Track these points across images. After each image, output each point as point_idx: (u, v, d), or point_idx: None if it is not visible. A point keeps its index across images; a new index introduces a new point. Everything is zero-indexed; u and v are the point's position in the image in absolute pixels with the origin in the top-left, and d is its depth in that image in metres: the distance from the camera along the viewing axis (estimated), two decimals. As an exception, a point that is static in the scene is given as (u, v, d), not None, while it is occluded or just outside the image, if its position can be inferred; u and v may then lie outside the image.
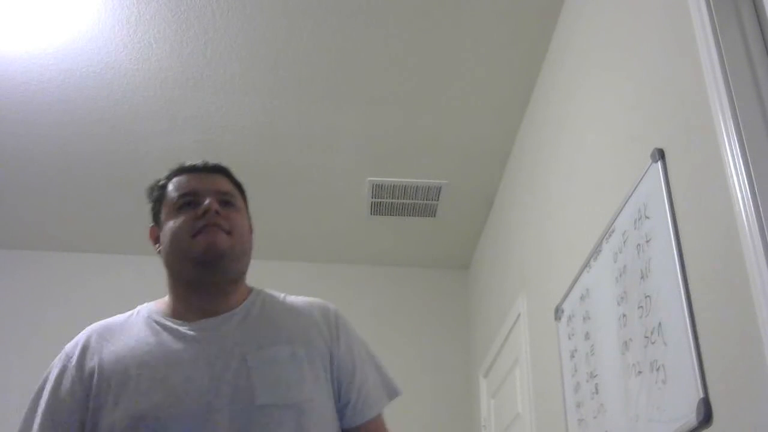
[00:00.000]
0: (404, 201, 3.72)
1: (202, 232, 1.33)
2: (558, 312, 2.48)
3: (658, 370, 1.66)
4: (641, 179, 1.84)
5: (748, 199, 1.36)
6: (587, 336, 2.17)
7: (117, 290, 4.11)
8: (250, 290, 1.44)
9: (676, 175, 1.68)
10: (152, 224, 1.45)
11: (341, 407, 1.37)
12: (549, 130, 2.78)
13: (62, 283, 4.12)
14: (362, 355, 1.43)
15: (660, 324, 1.67)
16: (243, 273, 1.42)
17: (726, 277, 1.43)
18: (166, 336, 1.31)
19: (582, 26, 2.43)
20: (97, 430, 1.23)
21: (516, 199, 3.27)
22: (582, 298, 2.24)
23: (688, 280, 1.57)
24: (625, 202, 1.93)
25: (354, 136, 3.29)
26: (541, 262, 2.80)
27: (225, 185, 1.44)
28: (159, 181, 1.47)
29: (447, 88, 3.00)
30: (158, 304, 1.41)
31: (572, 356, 2.30)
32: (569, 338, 2.35)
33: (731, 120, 1.44)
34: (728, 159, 1.43)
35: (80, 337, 1.36)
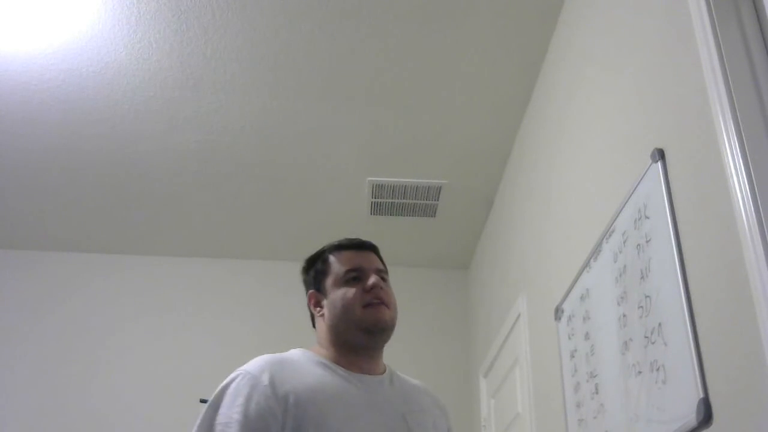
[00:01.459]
0: (404, 201, 3.72)
1: (371, 306, 1.54)
2: (558, 312, 2.48)
3: (658, 370, 1.66)
4: (641, 179, 1.84)
5: (748, 199, 1.36)
6: (587, 336, 2.17)
7: (117, 290, 4.11)
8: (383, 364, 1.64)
9: (676, 175, 1.68)
10: (312, 290, 1.63)
11: None
12: (549, 130, 2.78)
13: (62, 283, 4.12)
14: None
15: (660, 324, 1.67)
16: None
17: (726, 277, 1.43)
18: (342, 380, 1.49)
19: (582, 26, 2.43)
20: None
21: (516, 199, 3.27)
22: (582, 298, 2.24)
23: (688, 280, 1.57)
24: (625, 202, 1.93)
25: (354, 136, 3.29)
26: (541, 262, 2.80)
27: (380, 263, 1.65)
28: (317, 255, 1.66)
29: (447, 88, 3.00)
30: (316, 351, 1.57)
31: (572, 356, 2.30)
32: (569, 338, 2.35)
33: (731, 120, 1.44)
34: (728, 159, 1.43)
35: (262, 365, 1.46)
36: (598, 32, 2.28)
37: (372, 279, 1.56)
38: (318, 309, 1.61)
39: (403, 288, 4.29)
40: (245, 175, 3.55)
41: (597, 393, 2.06)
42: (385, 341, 1.59)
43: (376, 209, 3.78)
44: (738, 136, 1.42)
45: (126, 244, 4.10)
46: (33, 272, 4.12)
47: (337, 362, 1.53)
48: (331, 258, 1.62)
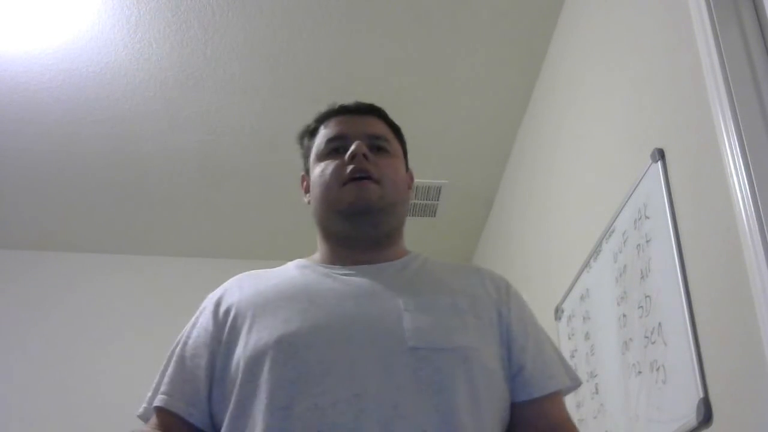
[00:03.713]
0: (404, 201, 3.71)
1: (350, 181, 1.20)
2: (558, 312, 2.48)
3: (658, 370, 1.66)
4: (641, 179, 1.84)
5: (748, 199, 1.36)
6: (587, 336, 2.17)
7: (117, 290, 4.11)
8: (408, 252, 1.30)
9: (676, 175, 1.68)
10: (303, 172, 1.35)
11: (513, 375, 1.14)
12: (549, 130, 2.78)
13: (62, 283, 4.11)
14: (537, 327, 1.23)
15: (660, 324, 1.67)
16: (398, 227, 1.29)
17: (726, 277, 1.43)
18: (314, 275, 1.21)
19: (582, 26, 2.43)
20: (230, 361, 1.12)
21: (516, 199, 3.27)
22: (582, 298, 2.24)
23: (688, 280, 1.57)
24: (625, 202, 1.93)
25: (354, 136, 3.29)
26: (541, 262, 2.80)
27: (378, 128, 1.30)
28: (309, 126, 1.36)
29: (447, 88, 3.00)
30: (309, 258, 1.29)
31: (572, 356, 2.30)
32: (569, 338, 2.35)
33: (731, 120, 1.44)
34: (728, 159, 1.43)
35: (224, 284, 1.26)
36: (598, 32, 2.28)
37: (353, 147, 1.22)
38: (307, 196, 1.31)
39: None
40: (245, 175, 3.54)
41: (597, 393, 2.06)
42: (383, 227, 1.23)
43: (376, 209, 3.78)
44: (738, 136, 1.42)
45: (126, 244, 4.10)
46: (33, 272, 4.12)
47: (328, 261, 1.24)
48: (319, 129, 1.32)
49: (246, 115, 3.16)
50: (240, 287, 1.22)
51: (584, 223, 2.29)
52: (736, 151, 1.41)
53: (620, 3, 2.11)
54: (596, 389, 2.06)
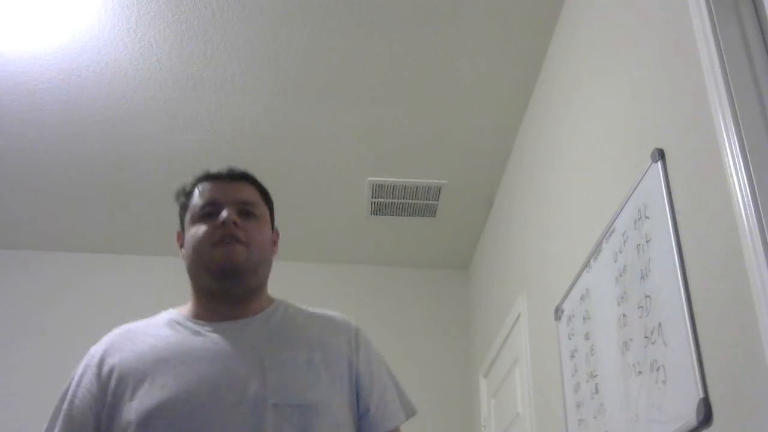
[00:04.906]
0: (404, 201, 3.72)
1: (220, 244, 1.35)
2: (558, 312, 2.48)
3: (658, 370, 1.66)
4: (641, 179, 1.84)
5: (748, 199, 1.36)
6: (587, 336, 2.17)
7: (117, 290, 4.11)
8: (272, 300, 1.46)
9: (676, 175, 1.68)
10: (179, 229, 1.50)
11: (360, 415, 1.38)
12: (549, 130, 2.78)
13: (62, 283, 4.12)
14: (381, 369, 1.45)
15: (660, 324, 1.67)
16: (262, 283, 1.44)
17: (726, 277, 1.43)
18: (185, 334, 1.35)
19: (582, 26, 2.43)
20: (113, 427, 1.25)
21: (516, 199, 3.27)
22: (582, 298, 2.24)
23: (688, 280, 1.57)
24: (625, 202, 1.93)
25: (354, 136, 3.29)
26: (541, 262, 2.80)
27: (248, 194, 1.45)
28: (185, 187, 1.51)
29: (447, 88, 3.00)
30: (181, 309, 1.44)
31: (572, 356, 2.30)
32: (569, 338, 2.35)
33: (731, 120, 1.44)
34: (728, 159, 1.43)
35: (104, 339, 1.40)
36: (598, 32, 2.28)
37: (223, 213, 1.37)
38: (182, 250, 1.46)
39: (403, 288, 4.34)
40: (245, 175, 3.54)
41: (597, 393, 2.06)
42: (246, 285, 1.38)
43: (376, 209, 3.78)
44: (738, 136, 1.42)
45: (126, 244, 4.10)
46: (33, 272, 4.12)
47: (197, 315, 1.38)
48: (195, 192, 1.47)
49: (246, 115, 3.16)
50: (120, 348, 1.34)
51: (584, 223, 2.29)
52: (736, 151, 1.41)
53: (620, 3, 2.11)
54: (596, 389, 2.06)
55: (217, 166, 1.52)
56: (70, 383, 1.35)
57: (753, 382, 1.32)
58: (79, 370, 1.35)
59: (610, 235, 2.03)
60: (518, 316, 3.05)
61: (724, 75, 1.48)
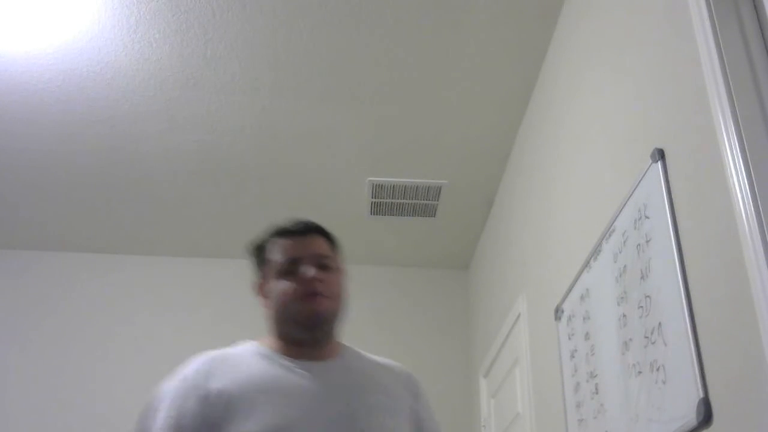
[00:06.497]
0: (404, 201, 3.72)
1: (306, 300, 1.49)
2: (558, 312, 2.48)
3: (658, 370, 1.66)
4: (641, 179, 1.84)
5: (748, 199, 1.36)
6: (587, 336, 2.17)
7: (117, 290, 4.11)
8: (339, 343, 1.60)
9: (676, 175, 1.68)
10: (258, 281, 1.62)
11: None
12: (549, 130, 2.78)
13: (62, 283, 4.12)
14: (435, 421, 1.64)
15: (660, 324, 1.67)
16: (338, 327, 1.59)
17: (726, 277, 1.43)
18: (278, 369, 1.47)
19: (582, 26, 2.43)
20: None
21: (516, 199, 3.27)
22: (582, 298, 2.24)
23: (688, 280, 1.57)
24: (625, 202, 1.93)
25: (354, 136, 3.29)
26: (541, 262, 2.80)
27: (322, 247, 1.58)
28: (261, 242, 1.63)
29: (447, 87, 3.00)
30: (261, 342, 1.54)
31: (572, 356, 2.30)
32: (569, 338, 2.35)
33: (731, 120, 1.44)
34: (728, 159, 1.43)
35: (198, 366, 1.46)
36: (598, 32, 2.28)
37: (308, 271, 1.51)
38: (263, 300, 1.59)
39: (403, 288, 4.34)
40: (245, 175, 3.54)
41: (597, 393, 2.06)
42: (329, 332, 1.54)
43: (376, 209, 3.78)
44: (738, 136, 1.42)
45: (126, 244, 4.10)
46: (33, 272, 4.12)
47: (283, 352, 1.50)
48: (271, 247, 1.59)
49: (246, 115, 3.16)
50: (222, 374, 1.43)
51: (584, 223, 2.29)
52: (736, 151, 1.41)
53: (620, 3, 2.11)
54: (596, 389, 2.06)
55: (285, 221, 1.63)
56: (157, 403, 1.42)
57: (753, 382, 1.32)
58: (177, 393, 1.41)
59: (610, 235, 2.03)
60: (518, 316, 3.05)
61: (724, 75, 1.48)
